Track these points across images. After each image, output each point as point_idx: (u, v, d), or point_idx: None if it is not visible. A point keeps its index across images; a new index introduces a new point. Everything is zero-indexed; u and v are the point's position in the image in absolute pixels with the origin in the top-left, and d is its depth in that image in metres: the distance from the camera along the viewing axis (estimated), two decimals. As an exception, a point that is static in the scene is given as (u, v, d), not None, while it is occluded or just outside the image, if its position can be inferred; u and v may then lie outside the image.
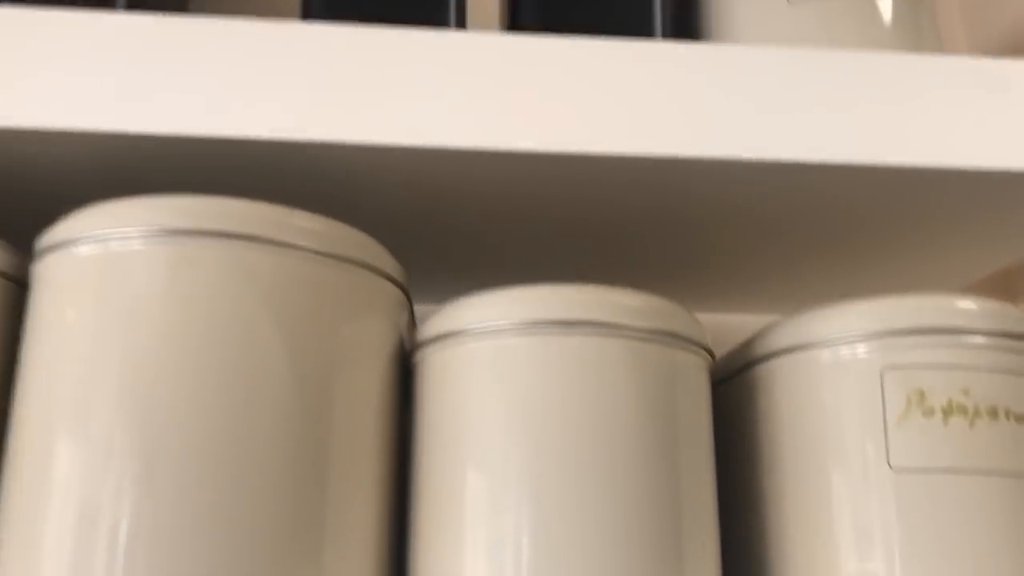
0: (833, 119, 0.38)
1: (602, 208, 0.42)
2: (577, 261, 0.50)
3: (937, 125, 0.38)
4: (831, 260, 0.51)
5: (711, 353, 0.38)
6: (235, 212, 0.34)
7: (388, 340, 0.37)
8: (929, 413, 0.35)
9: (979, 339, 0.36)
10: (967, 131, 0.38)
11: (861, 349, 0.36)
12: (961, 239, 0.47)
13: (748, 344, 0.42)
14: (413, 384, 0.38)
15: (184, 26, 0.37)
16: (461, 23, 0.41)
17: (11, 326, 0.36)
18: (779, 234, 0.46)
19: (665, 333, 0.36)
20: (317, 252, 0.35)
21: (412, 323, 0.40)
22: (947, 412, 0.35)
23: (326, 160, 0.38)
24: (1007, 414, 0.35)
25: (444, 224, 0.44)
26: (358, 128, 0.36)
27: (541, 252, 0.48)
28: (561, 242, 0.47)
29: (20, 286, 0.36)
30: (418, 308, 0.42)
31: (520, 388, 0.34)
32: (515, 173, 0.38)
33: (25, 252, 0.37)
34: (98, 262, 0.34)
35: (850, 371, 0.36)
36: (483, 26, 0.49)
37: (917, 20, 0.42)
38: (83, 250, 0.34)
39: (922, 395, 0.35)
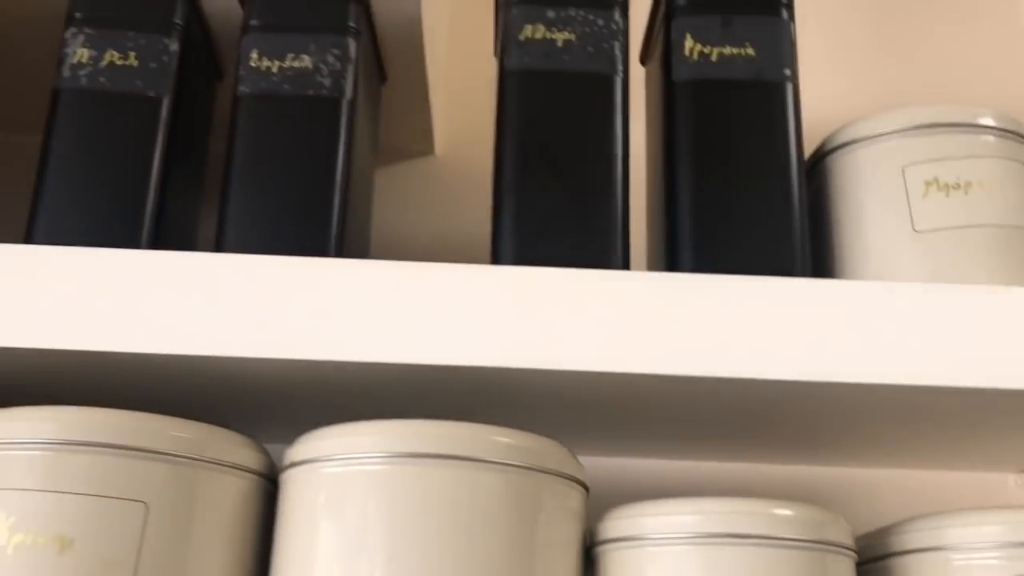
0: (958, 349, 0.44)
1: (755, 411, 0.48)
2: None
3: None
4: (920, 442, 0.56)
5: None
6: (451, 435, 0.41)
7: (578, 537, 0.43)
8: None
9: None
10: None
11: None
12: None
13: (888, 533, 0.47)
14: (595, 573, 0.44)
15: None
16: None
17: (264, 520, 0.43)
18: (889, 433, 0.51)
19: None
20: (520, 466, 0.41)
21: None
22: None
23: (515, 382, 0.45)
24: None
25: (615, 428, 0.51)
26: (559, 358, 0.43)
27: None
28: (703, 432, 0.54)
29: (271, 481, 0.44)
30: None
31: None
32: (700, 391, 0.45)
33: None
34: (341, 479, 0.41)
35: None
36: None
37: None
38: (328, 468, 0.41)
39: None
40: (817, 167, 0.52)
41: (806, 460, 0.60)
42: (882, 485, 0.61)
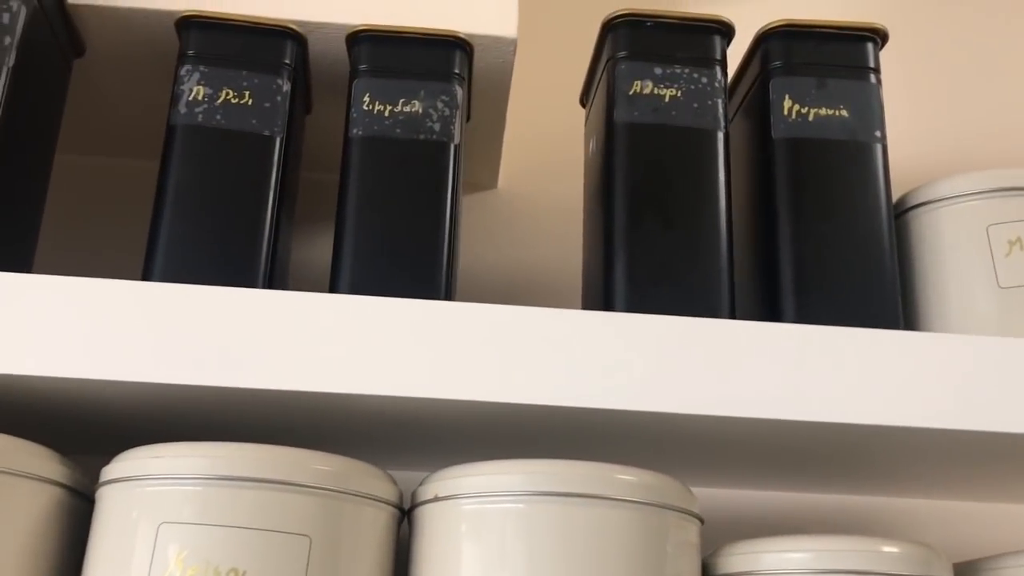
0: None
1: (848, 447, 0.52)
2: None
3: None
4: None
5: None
6: (586, 475, 0.43)
7: (697, 569, 0.45)
8: None
9: None
10: None
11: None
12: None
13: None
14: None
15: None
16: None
17: (396, 551, 0.45)
18: (979, 470, 0.55)
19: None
20: (648, 503, 0.44)
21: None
22: None
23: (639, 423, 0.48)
24: None
25: (710, 463, 0.54)
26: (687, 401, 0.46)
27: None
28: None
29: (403, 513, 0.46)
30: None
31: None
32: (799, 434, 0.48)
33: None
34: (480, 516, 0.43)
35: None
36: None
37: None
38: (468, 504, 0.43)
39: None
40: (897, 222, 0.55)
41: (894, 493, 0.63)
42: (973, 517, 0.65)
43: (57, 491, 0.43)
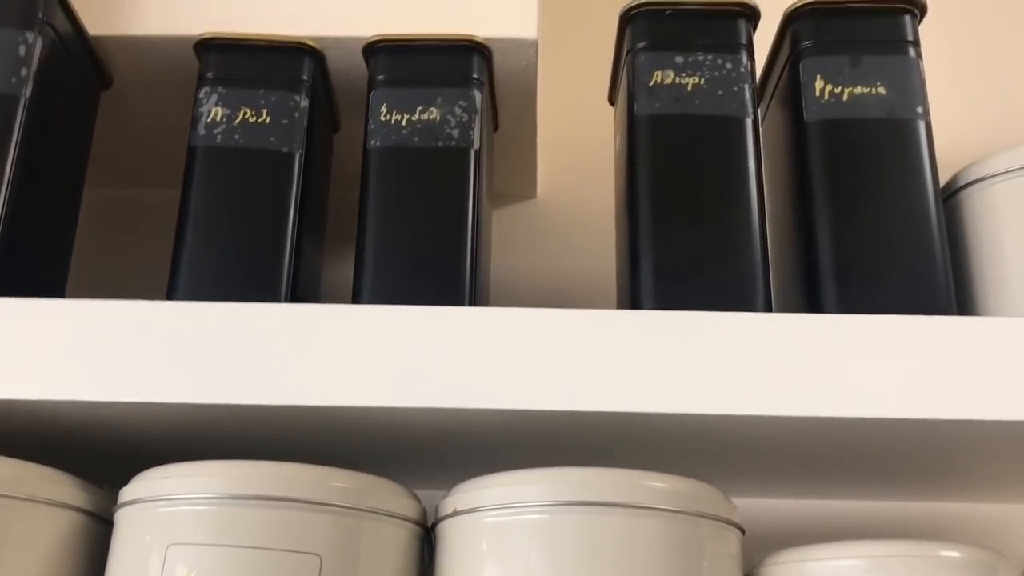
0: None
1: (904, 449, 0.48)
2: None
3: None
4: None
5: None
6: (612, 482, 0.41)
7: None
8: None
9: None
10: None
11: None
12: None
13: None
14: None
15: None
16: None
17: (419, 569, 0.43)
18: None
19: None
20: (681, 512, 0.41)
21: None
22: None
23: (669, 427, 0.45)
24: None
25: (750, 468, 0.51)
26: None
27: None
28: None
29: (425, 529, 0.44)
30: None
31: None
32: (840, 431, 0.45)
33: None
34: (503, 528, 0.41)
35: None
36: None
37: None
38: (490, 517, 0.41)
39: None
40: (948, 203, 0.52)
41: (943, 496, 0.59)
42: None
43: (76, 516, 0.43)
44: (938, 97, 0.52)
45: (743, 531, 0.44)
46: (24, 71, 0.49)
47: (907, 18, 0.52)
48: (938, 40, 0.59)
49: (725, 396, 0.44)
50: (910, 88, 0.50)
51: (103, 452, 0.50)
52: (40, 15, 0.51)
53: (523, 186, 0.71)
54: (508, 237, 0.71)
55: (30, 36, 0.50)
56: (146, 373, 0.44)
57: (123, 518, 0.42)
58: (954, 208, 0.52)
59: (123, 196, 0.70)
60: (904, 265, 0.47)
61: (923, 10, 0.52)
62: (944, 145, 0.52)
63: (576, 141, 0.72)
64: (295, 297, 0.51)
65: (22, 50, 0.49)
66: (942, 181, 0.50)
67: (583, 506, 0.40)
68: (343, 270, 0.66)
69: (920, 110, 0.49)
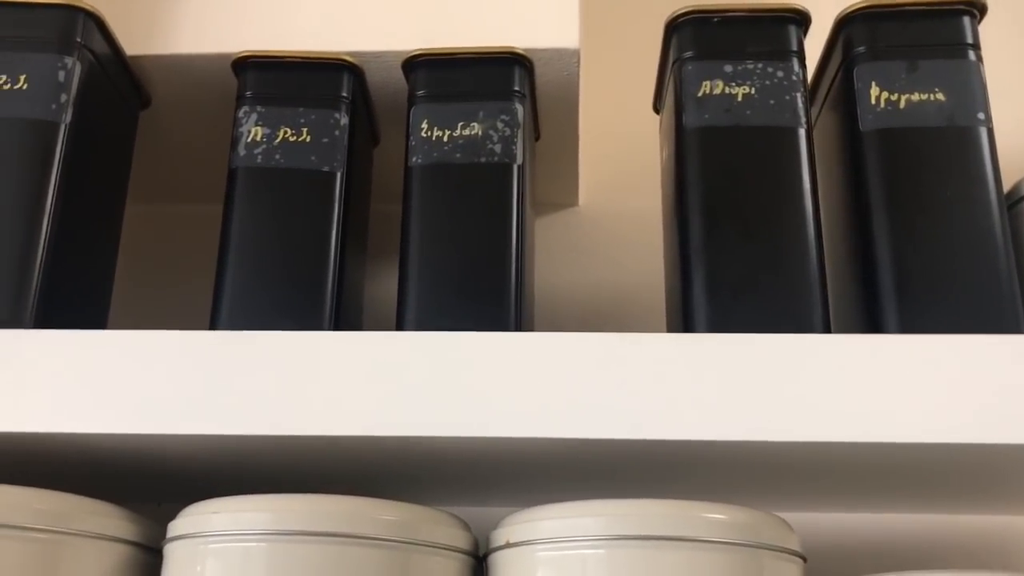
0: None
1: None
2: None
3: None
4: None
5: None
6: (669, 515, 0.40)
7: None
8: None
9: None
10: None
11: None
12: None
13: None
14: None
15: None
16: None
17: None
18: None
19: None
20: (741, 544, 0.40)
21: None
22: None
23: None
24: None
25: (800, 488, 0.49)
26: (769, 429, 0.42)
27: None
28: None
29: (477, 560, 0.43)
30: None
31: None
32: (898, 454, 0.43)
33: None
34: (557, 562, 0.40)
35: None
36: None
37: None
38: (544, 551, 0.40)
39: None
40: (1011, 212, 0.50)
41: (1006, 510, 0.57)
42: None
43: (125, 548, 0.42)
44: (999, 101, 0.50)
45: (805, 560, 0.42)
46: (64, 97, 0.49)
47: (966, 19, 0.49)
48: (999, 41, 0.56)
49: (783, 423, 0.42)
50: (971, 93, 0.48)
51: (149, 482, 0.50)
52: (78, 39, 0.50)
53: (565, 194, 0.70)
54: (550, 245, 0.70)
55: (69, 61, 0.49)
56: (193, 405, 0.43)
57: (172, 552, 0.41)
58: (1018, 217, 0.49)
59: (162, 211, 0.69)
60: (968, 281, 0.45)
61: (983, 10, 0.50)
62: (1006, 150, 0.50)
63: (619, 149, 0.70)
64: (338, 319, 0.50)
65: (61, 75, 0.49)
66: (1005, 188, 0.48)
67: (640, 540, 0.39)
68: (383, 282, 0.66)
69: (982, 116, 0.47)
